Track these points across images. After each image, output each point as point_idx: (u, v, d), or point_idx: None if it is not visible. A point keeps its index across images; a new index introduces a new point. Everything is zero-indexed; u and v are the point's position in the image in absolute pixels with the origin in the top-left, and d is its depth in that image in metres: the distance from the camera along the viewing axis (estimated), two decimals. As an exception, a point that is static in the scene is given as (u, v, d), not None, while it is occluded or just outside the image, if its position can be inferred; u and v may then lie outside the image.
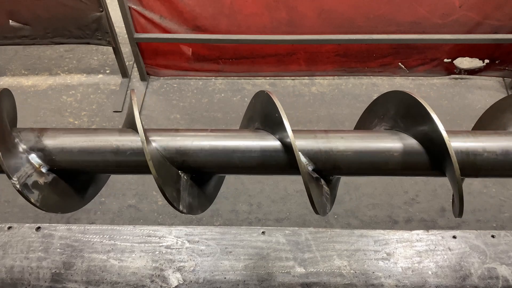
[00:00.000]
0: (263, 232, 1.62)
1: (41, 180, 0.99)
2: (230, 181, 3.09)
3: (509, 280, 1.49)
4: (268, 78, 3.94)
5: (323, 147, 0.96)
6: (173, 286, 1.48)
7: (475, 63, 3.81)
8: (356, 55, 3.77)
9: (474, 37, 3.47)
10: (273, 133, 0.98)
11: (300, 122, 3.56)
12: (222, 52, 3.74)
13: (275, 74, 3.93)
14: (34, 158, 0.98)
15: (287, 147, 0.95)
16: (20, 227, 1.63)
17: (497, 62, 3.78)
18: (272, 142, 0.97)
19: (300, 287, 1.48)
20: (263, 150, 0.97)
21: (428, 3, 3.32)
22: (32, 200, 0.96)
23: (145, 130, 0.93)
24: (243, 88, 3.86)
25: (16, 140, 0.97)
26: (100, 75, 3.97)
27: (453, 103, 3.72)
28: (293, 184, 3.06)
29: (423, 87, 3.86)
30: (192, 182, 1.08)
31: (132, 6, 3.33)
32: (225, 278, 1.50)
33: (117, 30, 3.48)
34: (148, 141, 0.95)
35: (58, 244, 1.58)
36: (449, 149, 0.83)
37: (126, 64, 3.86)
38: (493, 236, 1.60)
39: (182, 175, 1.04)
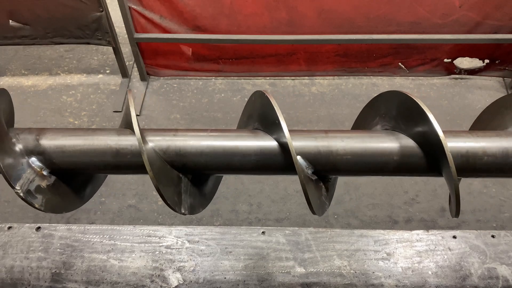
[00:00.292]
0: (263, 232, 1.62)
1: (43, 184, 0.99)
2: (230, 181, 3.09)
3: (509, 280, 1.49)
4: (268, 78, 3.94)
5: (320, 148, 0.96)
6: (173, 286, 1.48)
7: (475, 63, 3.81)
8: (356, 55, 3.77)
9: (474, 37, 3.47)
10: (270, 133, 0.98)
11: (300, 122, 3.56)
12: (222, 52, 3.74)
13: (275, 74, 3.93)
14: (35, 161, 0.98)
15: (284, 148, 0.94)
16: (20, 227, 1.63)
17: (497, 62, 3.78)
18: (269, 143, 0.97)
19: (300, 287, 1.48)
20: (260, 151, 0.97)
21: (428, 3, 3.32)
22: (37, 206, 0.96)
23: (142, 131, 0.93)
24: (243, 88, 3.86)
25: (13, 140, 0.96)
26: (100, 75, 3.97)
27: (453, 103, 3.72)
28: (293, 184, 3.06)
29: (423, 87, 3.86)
30: (192, 183, 1.08)
31: (132, 6, 3.33)
32: (225, 278, 1.50)
33: (117, 30, 3.48)
34: (145, 141, 0.95)
35: (58, 244, 1.58)
36: (445, 150, 0.83)
37: (126, 64, 3.86)
38: (493, 236, 1.60)
39: (183, 177, 1.04)
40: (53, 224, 1.64)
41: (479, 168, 0.94)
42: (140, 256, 1.55)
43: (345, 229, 1.82)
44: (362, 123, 1.10)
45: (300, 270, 1.52)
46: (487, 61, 3.79)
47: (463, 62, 3.81)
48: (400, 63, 3.84)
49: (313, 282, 1.49)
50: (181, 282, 1.49)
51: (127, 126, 1.01)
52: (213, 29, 3.50)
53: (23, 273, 1.50)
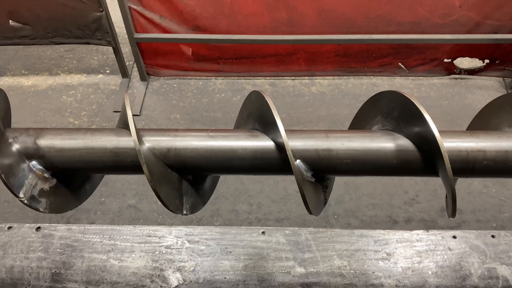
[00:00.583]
0: (263, 232, 1.62)
1: (46, 186, 0.99)
2: (230, 181, 3.09)
3: (509, 280, 1.49)
4: (268, 78, 3.94)
5: (317, 148, 0.96)
6: (173, 286, 1.48)
7: (475, 63, 3.81)
8: (356, 55, 3.77)
9: (474, 37, 3.47)
10: (267, 133, 0.98)
11: (300, 122, 3.56)
12: (222, 52, 3.74)
13: (275, 74, 3.93)
14: (36, 165, 0.98)
15: (281, 148, 0.94)
16: (20, 227, 1.63)
17: (497, 62, 3.78)
18: (266, 143, 0.97)
19: (300, 287, 1.48)
20: (257, 151, 0.97)
21: (428, 3, 3.32)
22: (41, 209, 0.96)
23: (138, 131, 0.92)
24: (243, 88, 3.86)
25: (10, 141, 0.96)
26: (100, 75, 3.97)
27: (453, 103, 3.72)
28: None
29: (423, 87, 3.86)
30: (192, 183, 1.08)
31: (132, 6, 3.33)
32: (225, 278, 1.50)
33: (117, 30, 3.48)
34: (141, 142, 0.95)
35: (58, 244, 1.58)
36: (441, 150, 0.83)
37: (126, 64, 3.86)
38: (493, 236, 1.60)
39: (184, 180, 1.04)
40: (53, 224, 1.64)
41: (475, 168, 0.94)
42: (140, 256, 1.55)
43: (345, 229, 1.82)
44: (359, 123, 1.10)
45: (300, 270, 1.52)
46: (487, 61, 3.79)
47: (463, 62, 3.81)
48: (400, 63, 3.84)
49: (313, 282, 1.49)
50: (181, 282, 1.49)
51: (124, 126, 1.00)
52: (213, 29, 3.50)
53: (23, 273, 1.50)
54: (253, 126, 1.04)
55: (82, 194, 1.14)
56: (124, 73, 3.87)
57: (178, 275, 1.51)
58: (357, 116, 1.11)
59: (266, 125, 0.97)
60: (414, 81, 3.92)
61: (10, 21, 3.31)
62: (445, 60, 3.80)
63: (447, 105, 3.70)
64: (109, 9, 3.29)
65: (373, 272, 1.51)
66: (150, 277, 1.50)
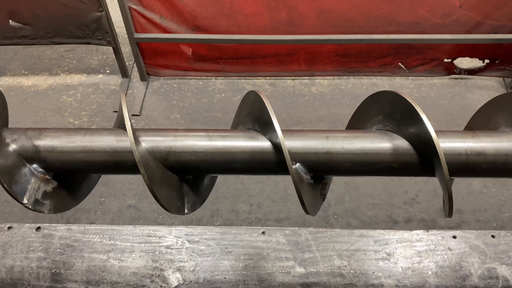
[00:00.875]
0: (263, 232, 1.62)
1: (48, 188, 0.99)
2: (230, 181, 3.09)
3: (509, 280, 1.49)
4: (268, 78, 3.94)
5: (313, 148, 0.96)
6: (173, 286, 1.48)
7: (475, 63, 3.81)
8: (356, 55, 3.77)
9: (474, 37, 3.47)
10: (264, 133, 0.98)
11: (300, 122, 3.56)
12: (222, 52, 3.74)
13: (275, 74, 3.93)
14: (37, 168, 0.97)
15: (277, 148, 0.94)
16: (20, 227, 1.63)
17: (497, 62, 3.79)
18: (262, 143, 0.97)
19: (300, 287, 1.48)
20: (255, 152, 0.96)
21: (428, 3, 3.32)
22: (46, 211, 0.96)
23: (135, 131, 0.92)
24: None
25: (7, 141, 0.95)
26: (100, 75, 3.97)
27: (453, 103, 3.72)
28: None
29: (423, 87, 3.86)
30: (193, 182, 1.08)
31: (132, 6, 3.33)
32: (225, 278, 1.50)
33: (117, 30, 3.48)
34: (138, 142, 0.94)
35: (58, 244, 1.58)
36: (437, 150, 0.83)
37: (126, 64, 3.86)
38: (493, 236, 1.60)
39: (184, 183, 1.04)
40: (53, 224, 1.64)
41: (471, 168, 0.93)
42: (140, 256, 1.55)
43: (345, 229, 1.82)
44: (357, 123, 1.10)
45: (300, 270, 1.52)
46: (487, 61, 3.79)
47: (463, 62, 3.81)
48: (400, 63, 3.84)
49: (313, 282, 1.49)
50: (181, 282, 1.49)
51: (122, 126, 1.00)
52: (213, 29, 3.50)
53: (23, 273, 1.50)
54: (250, 127, 1.03)
55: (83, 190, 1.14)
56: (124, 73, 3.87)
57: (178, 275, 1.51)
58: (354, 116, 1.11)
59: (263, 125, 0.97)
60: (414, 81, 3.92)
61: (10, 21, 3.31)
62: (445, 60, 3.80)
63: (447, 105, 3.70)
64: (109, 9, 3.29)
65: (373, 272, 1.51)
66: (150, 277, 1.50)
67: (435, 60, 3.80)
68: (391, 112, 0.97)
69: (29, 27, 3.35)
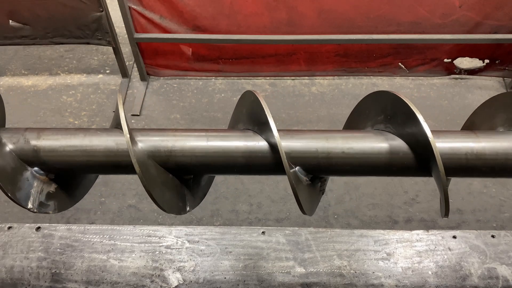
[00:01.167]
0: (263, 232, 1.62)
1: (52, 188, 0.99)
2: (230, 181, 3.09)
3: (509, 280, 1.49)
4: (268, 78, 3.94)
5: (309, 148, 0.95)
6: (173, 286, 1.48)
7: (475, 63, 3.81)
8: (356, 55, 3.77)
9: (474, 37, 3.47)
10: (260, 133, 0.97)
11: (300, 122, 3.56)
12: (222, 52, 3.74)
13: (275, 74, 3.93)
14: (38, 171, 0.97)
15: (274, 148, 0.94)
16: (20, 227, 1.63)
17: (497, 62, 3.78)
18: (258, 143, 0.96)
19: (300, 287, 1.48)
20: (250, 151, 0.96)
21: (428, 3, 3.32)
22: (51, 212, 0.96)
23: (131, 131, 0.92)
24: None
25: (4, 141, 0.94)
26: (100, 75, 3.97)
27: (453, 103, 3.72)
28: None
29: (423, 87, 3.86)
30: (193, 181, 1.08)
31: (132, 6, 3.33)
32: (225, 278, 1.50)
33: (117, 30, 3.48)
34: (134, 142, 0.94)
35: (58, 244, 1.58)
36: (434, 150, 0.83)
37: (126, 64, 3.86)
38: (493, 236, 1.60)
39: (184, 181, 1.03)
40: (53, 224, 1.64)
41: (468, 168, 0.93)
42: (140, 256, 1.55)
43: (345, 229, 1.82)
44: (353, 123, 1.10)
45: (300, 270, 1.52)
46: (487, 61, 3.79)
47: (463, 62, 3.81)
48: (400, 63, 3.84)
49: (313, 282, 1.49)
50: (181, 282, 1.49)
51: (118, 126, 0.99)
52: (213, 29, 3.50)
53: (23, 273, 1.50)
54: (247, 127, 1.03)
55: (85, 186, 1.15)
56: (124, 73, 3.87)
57: (178, 275, 1.51)
58: (351, 116, 1.11)
59: (260, 126, 0.97)
60: (414, 81, 3.92)
61: (10, 21, 3.31)
62: (445, 60, 3.80)
63: (447, 105, 3.70)
64: (109, 9, 3.29)
65: (373, 272, 1.51)
66: (150, 277, 1.50)
67: (435, 60, 3.80)
68: (388, 112, 0.97)
69: (29, 27, 3.35)
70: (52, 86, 3.85)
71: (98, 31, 3.37)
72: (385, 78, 3.94)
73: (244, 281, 1.49)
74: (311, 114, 3.63)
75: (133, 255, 1.56)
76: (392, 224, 2.90)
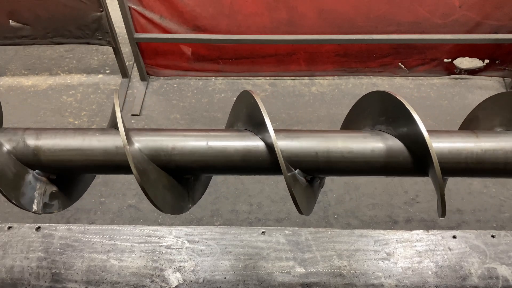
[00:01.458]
0: (263, 232, 1.62)
1: (54, 188, 0.99)
2: (230, 181, 3.09)
3: (509, 280, 1.49)
4: (268, 78, 3.94)
5: (306, 148, 0.95)
6: (173, 286, 1.48)
7: (475, 63, 3.81)
8: (356, 55, 3.77)
9: (474, 37, 3.47)
10: (257, 133, 0.97)
11: (300, 122, 3.56)
12: (222, 52, 3.74)
13: (275, 74, 3.93)
14: (40, 173, 0.97)
15: (270, 148, 0.94)
16: (20, 227, 1.63)
17: (497, 62, 3.78)
18: (255, 143, 0.96)
19: (300, 287, 1.48)
20: (246, 151, 0.96)
21: (428, 3, 3.32)
22: (56, 211, 0.96)
23: (127, 131, 0.92)
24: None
25: (3, 144, 0.93)
26: (100, 75, 3.97)
27: (453, 103, 3.72)
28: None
29: (423, 87, 3.86)
30: (194, 180, 1.09)
31: (132, 6, 3.33)
32: (225, 278, 1.50)
33: (117, 30, 3.48)
34: (131, 142, 0.94)
35: (58, 244, 1.58)
36: (430, 150, 0.83)
37: (126, 64, 3.86)
38: (493, 236, 1.60)
39: (184, 181, 1.03)
40: (53, 224, 1.64)
41: (464, 168, 0.93)
42: (140, 256, 1.55)
43: (345, 229, 1.82)
44: (351, 123, 1.10)
45: (300, 270, 1.52)
46: (487, 61, 3.78)
47: (463, 62, 3.81)
48: (400, 63, 3.84)
49: (313, 282, 1.49)
50: (181, 282, 1.49)
51: (114, 126, 0.99)
52: (213, 29, 3.50)
53: (23, 273, 1.50)
54: (244, 127, 1.03)
55: (86, 181, 1.14)
56: (124, 73, 3.87)
57: (178, 275, 1.51)
58: (348, 116, 1.11)
59: (257, 126, 0.96)
60: (414, 81, 3.92)
61: (10, 21, 3.31)
62: (445, 60, 3.80)
63: (447, 105, 3.70)
64: (109, 9, 3.29)
65: (373, 272, 1.51)
66: (150, 277, 1.50)
67: (435, 60, 3.80)
68: (385, 112, 0.97)
69: (29, 27, 3.35)
70: (52, 86, 3.85)
71: (98, 31, 3.37)
72: (385, 78, 3.94)
73: (244, 281, 1.49)
74: (311, 114, 3.63)
75: (133, 255, 1.56)
76: (392, 224, 2.90)
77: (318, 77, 3.94)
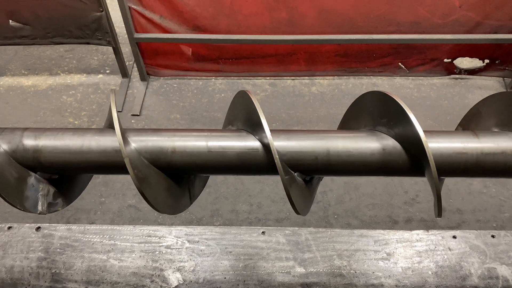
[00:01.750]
0: (263, 232, 1.62)
1: (57, 187, 0.99)
2: (230, 181, 3.09)
3: (509, 280, 1.49)
4: (268, 78, 3.94)
5: (302, 148, 0.95)
6: (173, 286, 1.48)
7: (475, 63, 3.81)
8: (356, 55, 3.77)
9: (474, 37, 3.47)
10: (253, 133, 0.97)
11: (300, 122, 3.56)
12: (222, 52, 3.74)
13: (275, 74, 3.93)
14: (42, 174, 0.97)
15: (266, 148, 0.94)
16: (20, 227, 1.63)
17: (497, 62, 3.78)
18: (251, 143, 0.96)
19: (300, 287, 1.48)
20: (242, 151, 0.96)
21: (428, 3, 3.32)
22: (60, 209, 0.96)
23: (124, 131, 0.92)
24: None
25: (2, 148, 0.93)
26: (100, 75, 3.97)
27: (453, 103, 3.72)
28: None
29: (423, 87, 3.86)
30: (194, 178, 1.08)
31: (132, 6, 3.33)
32: (225, 278, 1.50)
33: (117, 30, 3.48)
34: (127, 142, 0.94)
35: (58, 244, 1.58)
36: (426, 150, 0.83)
37: (126, 64, 3.86)
38: (493, 236, 1.60)
39: (184, 181, 1.03)
40: (53, 224, 1.64)
41: (460, 168, 0.93)
42: (140, 256, 1.55)
43: (345, 229, 1.82)
44: (348, 123, 1.10)
45: (300, 270, 1.52)
46: (487, 61, 3.79)
47: (463, 62, 3.81)
48: (400, 63, 3.84)
49: (313, 282, 1.49)
50: (181, 282, 1.49)
51: (110, 126, 0.98)
52: (213, 29, 3.50)
53: (23, 273, 1.50)
54: (241, 127, 1.03)
55: (87, 177, 1.14)
56: (124, 73, 3.87)
57: (178, 275, 1.51)
58: (345, 116, 1.11)
59: (254, 126, 0.96)
60: (414, 81, 3.92)
61: (10, 21, 3.31)
62: (445, 60, 3.80)
63: (447, 105, 3.70)
64: (109, 9, 3.29)
65: (373, 272, 1.51)
66: (150, 277, 1.50)
67: (435, 60, 3.80)
68: (381, 112, 0.97)
69: (29, 27, 3.35)
70: (52, 86, 3.85)
71: (98, 31, 3.37)
72: (385, 78, 3.94)
73: (244, 281, 1.49)
74: (311, 114, 3.63)
75: (133, 255, 1.56)
76: (392, 224, 2.90)
77: (318, 77, 3.94)
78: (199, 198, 1.15)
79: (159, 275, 1.50)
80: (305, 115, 3.62)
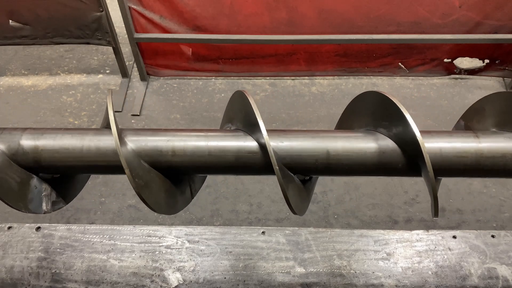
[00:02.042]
0: (263, 232, 1.62)
1: (59, 185, 0.99)
2: (230, 181, 3.09)
3: (509, 280, 1.49)
4: (268, 78, 3.94)
5: (302, 150, 0.95)
6: (173, 286, 1.48)
7: (475, 63, 3.81)
8: (356, 55, 3.77)
9: (474, 37, 3.47)
10: (250, 133, 0.97)
11: (300, 122, 3.56)
12: (222, 52, 3.74)
13: (275, 74, 3.93)
14: (43, 176, 0.97)
15: (263, 148, 0.94)
16: (20, 227, 1.63)
17: (497, 62, 3.78)
18: (248, 143, 0.96)
19: (300, 287, 1.48)
20: (239, 151, 0.96)
21: (428, 3, 3.32)
22: (64, 205, 0.96)
23: (120, 131, 0.92)
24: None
25: (3, 152, 0.93)
26: (100, 75, 3.97)
27: (453, 103, 3.72)
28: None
29: (423, 87, 3.86)
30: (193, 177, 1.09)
31: (132, 6, 3.33)
32: (225, 278, 1.50)
33: (117, 30, 3.48)
34: (124, 142, 0.93)
35: (58, 244, 1.58)
36: (422, 150, 0.83)
37: (126, 64, 3.86)
38: (493, 236, 1.60)
39: (188, 187, 1.03)
40: (53, 224, 1.64)
41: (457, 168, 0.93)
42: (140, 256, 1.55)
43: (345, 229, 1.82)
44: (345, 123, 1.10)
45: (300, 270, 1.52)
46: (487, 61, 3.79)
47: (463, 62, 3.81)
48: (400, 63, 3.84)
49: (313, 282, 1.49)
50: (181, 282, 1.49)
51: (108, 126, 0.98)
52: (213, 29, 3.50)
53: (23, 273, 1.50)
54: (238, 128, 1.03)
55: (83, 179, 1.15)
56: (124, 73, 3.87)
57: (178, 275, 1.51)
58: (342, 116, 1.10)
59: (248, 124, 0.96)
60: (414, 81, 3.92)
61: (10, 21, 3.31)
62: (445, 60, 3.80)
63: (447, 105, 3.70)
64: (109, 9, 3.29)
65: (373, 272, 1.51)
66: (150, 277, 1.50)
67: (435, 60, 3.80)
68: (378, 112, 0.97)
69: (29, 27, 3.35)
70: (52, 86, 3.85)
71: (98, 31, 3.37)
72: (385, 78, 3.94)
73: (244, 281, 1.49)
74: (311, 114, 3.63)
75: (133, 255, 1.56)
76: (392, 224, 2.90)
77: (318, 77, 3.94)
78: (199, 198, 1.15)
79: (159, 275, 1.50)
80: (305, 115, 3.62)
